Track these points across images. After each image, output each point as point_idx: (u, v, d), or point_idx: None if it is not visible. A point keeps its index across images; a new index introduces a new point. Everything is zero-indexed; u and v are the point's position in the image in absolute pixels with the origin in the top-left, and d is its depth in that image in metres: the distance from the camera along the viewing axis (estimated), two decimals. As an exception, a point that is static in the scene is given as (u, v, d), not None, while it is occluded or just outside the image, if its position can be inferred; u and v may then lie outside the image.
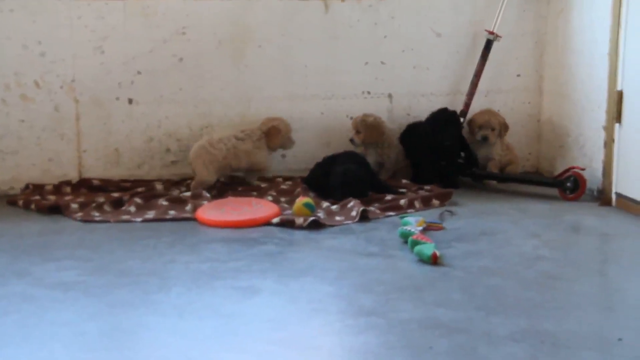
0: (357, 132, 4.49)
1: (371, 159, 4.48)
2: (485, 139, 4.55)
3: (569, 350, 2.45)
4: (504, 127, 4.59)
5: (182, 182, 4.39)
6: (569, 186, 4.18)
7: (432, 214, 3.90)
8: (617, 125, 4.02)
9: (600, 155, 4.14)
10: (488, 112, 4.60)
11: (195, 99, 4.51)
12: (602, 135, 4.12)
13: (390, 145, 4.53)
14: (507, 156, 4.66)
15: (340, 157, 4.28)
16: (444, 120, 4.37)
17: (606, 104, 4.06)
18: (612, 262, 3.28)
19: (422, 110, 4.70)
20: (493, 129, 4.56)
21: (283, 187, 4.33)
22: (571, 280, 3.11)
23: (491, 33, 4.53)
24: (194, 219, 3.84)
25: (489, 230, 3.68)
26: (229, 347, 2.48)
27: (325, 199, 4.09)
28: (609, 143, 4.08)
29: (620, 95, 3.98)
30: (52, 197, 4.13)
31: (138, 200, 4.03)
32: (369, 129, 4.47)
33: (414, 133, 4.50)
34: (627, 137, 3.96)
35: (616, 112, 4.00)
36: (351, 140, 4.51)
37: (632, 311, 2.76)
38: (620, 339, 2.51)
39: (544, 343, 2.49)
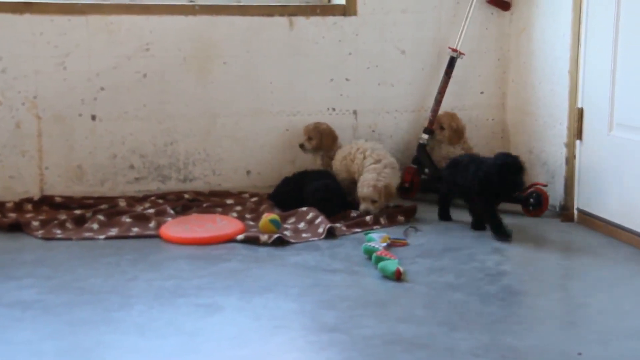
0: (309, 138, 4.50)
1: (317, 166, 4.52)
2: (430, 132, 4.60)
3: (530, 365, 2.47)
4: (455, 132, 4.61)
5: (146, 198, 4.36)
6: (532, 202, 4.22)
7: (397, 231, 3.91)
8: (578, 141, 4.07)
9: (562, 172, 4.19)
10: (447, 114, 4.64)
11: (160, 115, 4.49)
12: (563, 151, 4.17)
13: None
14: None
15: (311, 174, 4.29)
16: (514, 168, 3.76)
17: (567, 120, 4.11)
18: (574, 277, 3.31)
19: (386, 127, 4.73)
20: (442, 128, 4.60)
21: (248, 203, 4.32)
22: (533, 295, 3.14)
23: (454, 50, 4.57)
24: (157, 236, 3.81)
25: (452, 246, 3.70)
26: (190, 365, 2.47)
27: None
28: (570, 159, 4.13)
29: (580, 112, 4.04)
30: (12, 215, 4.07)
31: (101, 217, 3.99)
32: (323, 136, 4.48)
33: (464, 171, 3.95)
34: (587, 153, 4.01)
35: (577, 128, 4.06)
36: (301, 146, 4.51)
37: (592, 326, 2.78)
38: (580, 354, 2.53)
39: (506, 358, 2.50)
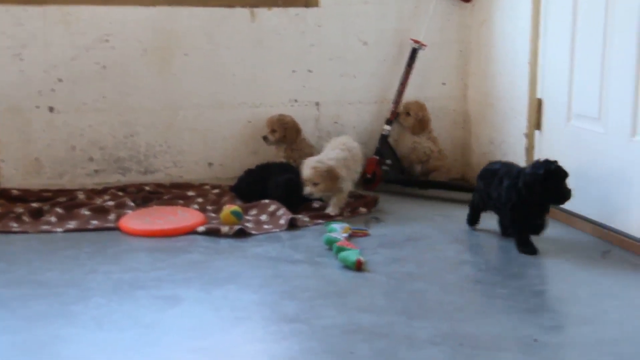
0: (273, 130, 4.49)
1: (280, 158, 4.51)
2: (397, 115, 4.63)
3: (487, 352, 2.50)
4: (420, 122, 4.65)
5: (105, 191, 4.32)
6: (492, 192, 4.24)
7: (359, 221, 3.92)
8: (537, 132, 4.12)
9: (522, 162, 4.21)
10: (416, 102, 4.68)
11: (120, 108, 4.44)
12: (523, 142, 4.21)
13: (300, 147, 4.52)
14: (438, 161, 4.72)
15: (274, 167, 4.28)
16: (557, 177, 3.42)
17: (527, 111, 4.16)
18: (532, 265, 3.34)
19: (349, 118, 4.74)
20: (408, 114, 4.63)
21: (210, 195, 4.30)
22: (492, 283, 3.17)
23: (416, 42, 4.59)
24: (117, 229, 3.78)
25: (413, 236, 3.72)
26: (148, 357, 2.46)
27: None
28: (529, 150, 4.18)
29: (539, 103, 4.08)
30: (-31, 208, 4.01)
31: (59, 210, 3.94)
32: (288, 129, 4.48)
33: (498, 184, 3.61)
34: (546, 143, 4.06)
35: (536, 119, 4.10)
36: (265, 138, 4.50)
37: (547, 313, 2.83)
38: (535, 340, 2.57)
39: (464, 345, 2.53)
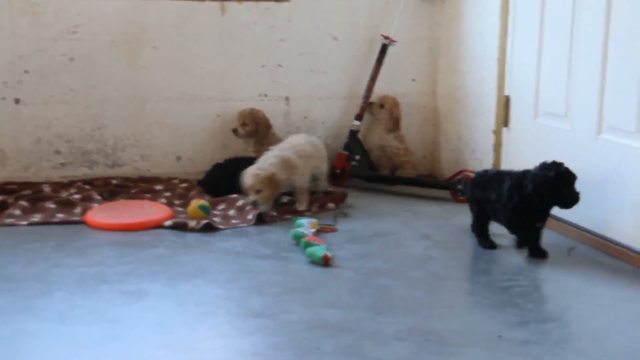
0: (244, 124, 4.47)
1: (249, 153, 4.48)
2: (370, 105, 4.64)
3: (452, 347, 2.51)
4: (393, 120, 4.66)
5: (72, 184, 4.27)
6: (460, 188, 4.28)
7: (327, 217, 3.92)
8: (505, 129, 4.15)
9: (489, 159, 4.26)
10: (392, 98, 4.70)
11: (87, 100, 4.40)
12: (491, 138, 4.24)
13: (270, 142, 4.50)
14: (403, 157, 4.73)
15: (243, 161, 4.25)
16: (568, 179, 3.27)
17: (495, 108, 4.19)
18: (498, 262, 3.36)
19: (319, 114, 4.74)
20: (382, 106, 4.65)
21: (178, 189, 4.28)
22: (458, 279, 3.20)
23: (386, 38, 4.60)
24: (83, 222, 3.75)
25: (381, 231, 3.73)
26: (113, 352, 2.44)
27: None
28: (497, 146, 4.21)
29: (507, 100, 4.11)
30: None
31: (24, 203, 3.90)
32: (260, 123, 4.47)
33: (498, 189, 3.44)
34: (514, 140, 4.10)
35: (504, 116, 4.13)
36: (234, 131, 4.48)
37: (513, 309, 2.84)
38: (500, 336, 2.59)
39: (429, 341, 2.54)
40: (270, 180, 3.83)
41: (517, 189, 3.31)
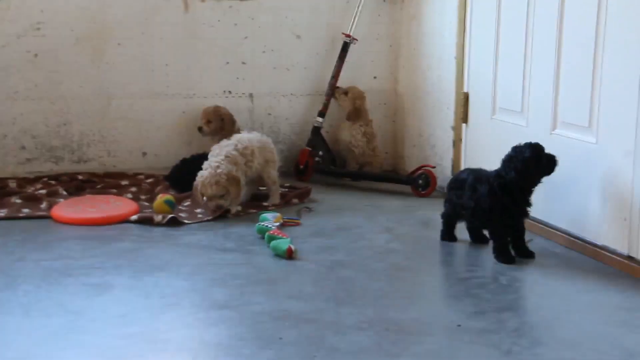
0: (208, 121, 4.50)
1: None
2: (332, 93, 4.69)
3: (412, 336, 2.57)
4: (355, 109, 4.71)
5: (37, 179, 4.28)
6: (421, 183, 4.37)
7: (291, 211, 3.98)
8: (464, 125, 4.24)
9: (449, 154, 4.35)
10: (359, 90, 4.76)
11: (52, 96, 4.41)
12: (450, 135, 4.33)
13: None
14: (370, 158, 4.80)
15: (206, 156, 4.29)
16: (540, 149, 3.30)
17: (454, 105, 4.27)
18: (457, 254, 3.44)
19: (283, 110, 4.79)
20: (346, 93, 4.71)
21: (143, 184, 4.31)
22: (418, 271, 3.25)
23: (348, 36, 4.66)
24: (49, 217, 3.76)
25: (344, 225, 3.79)
26: (75, 344, 2.46)
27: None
28: (457, 142, 4.30)
29: (466, 96, 4.20)
30: None
31: (-12, 198, 3.91)
32: (224, 120, 4.50)
33: (471, 191, 3.41)
34: (472, 136, 4.19)
35: (463, 112, 4.22)
36: (199, 129, 4.51)
37: (471, 299, 2.91)
38: (459, 325, 2.65)
39: (389, 330, 2.60)
40: (233, 180, 3.82)
41: (493, 192, 3.30)
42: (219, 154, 3.90)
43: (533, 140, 3.29)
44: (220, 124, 4.49)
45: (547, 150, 3.29)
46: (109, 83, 4.50)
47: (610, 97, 3.23)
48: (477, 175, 3.41)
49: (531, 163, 3.25)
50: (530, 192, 3.33)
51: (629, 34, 3.11)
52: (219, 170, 3.81)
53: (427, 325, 2.66)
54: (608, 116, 3.25)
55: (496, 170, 3.35)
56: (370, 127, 4.79)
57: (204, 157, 4.25)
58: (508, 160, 3.30)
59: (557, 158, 3.28)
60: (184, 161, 4.34)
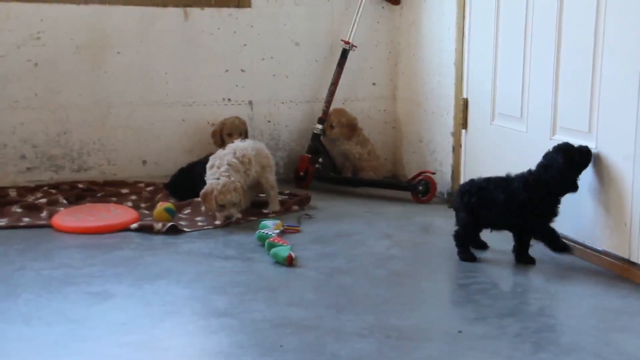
0: (230, 135, 4.47)
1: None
2: (323, 131, 4.69)
3: (413, 343, 2.57)
4: (347, 127, 4.71)
5: (38, 188, 4.29)
6: (421, 189, 4.37)
7: (291, 218, 3.98)
8: (463, 131, 4.24)
9: (449, 160, 4.35)
10: (335, 111, 4.74)
11: (52, 105, 4.42)
12: (450, 140, 4.33)
13: None
14: (367, 162, 4.80)
15: (204, 163, 4.29)
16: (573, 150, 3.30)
17: (453, 111, 4.28)
18: (455, 261, 3.43)
19: (282, 117, 4.80)
20: (332, 127, 4.70)
21: (144, 193, 4.31)
22: (418, 277, 3.25)
23: (347, 43, 4.67)
24: (49, 226, 3.76)
25: (344, 232, 3.80)
26: (75, 352, 2.46)
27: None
28: (456, 148, 4.30)
29: (465, 102, 4.21)
30: None
31: (-11, 208, 3.92)
32: (247, 130, 4.53)
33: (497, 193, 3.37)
34: (472, 142, 4.19)
35: (462, 118, 4.23)
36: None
37: (471, 305, 2.91)
38: (460, 331, 2.65)
39: (390, 337, 2.59)
40: (241, 189, 3.87)
41: (531, 184, 3.29)
42: (221, 164, 3.91)
43: (544, 144, 3.26)
44: (245, 135, 4.47)
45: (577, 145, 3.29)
46: (108, 92, 4.51)
47: (609, 102, 3.23)
48: (499, 178, 3.38)
49: (566, 168, 3.24)
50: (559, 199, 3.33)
51: (627, 38, 3.11)
52: (232, 178, 3.84)
53: (428, 332, 2.66)
54: (607, 121, 3.25)
55: (528, 171, 3.34)
56: (362, 135, 4.80)
57: (198, 164, 4.25)
58: (543, 167, 3.30)
59: (589, 148, 3.27)
60: (181, 170, 4.34)
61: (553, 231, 3.36)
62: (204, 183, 3.98)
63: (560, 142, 3.34)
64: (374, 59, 4.90)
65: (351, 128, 4.74)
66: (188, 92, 4.64)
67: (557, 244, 3.35)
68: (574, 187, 3.29)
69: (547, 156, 3.32)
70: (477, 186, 3.39)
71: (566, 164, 3.25)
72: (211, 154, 4.28)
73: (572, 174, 3.27)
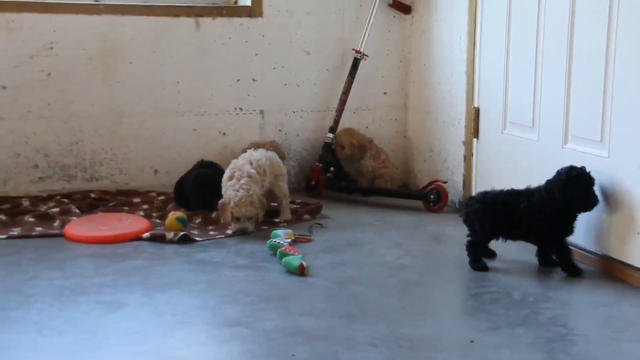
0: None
1: None
2: (333, 153, 4.72)
3: (425, 352, 2.56)
4: (358, 148, 4.73)
5: (50, 198, 4.31)
6: (432, 198, 4.36)
7: (303, 227, 3.98)
8: (474, 140, 4.24)
9: (460, 169, 4.35)
10: (344, 131, 4.75)
11: (64, 115, 4.44)
12: (462, 149, 4.33)
13: None
14: (380, 170, 4.81)
15: (193, 171, 4.28)
16: (579, 182, 3.27)
17: (465, 120, 4.28)
18: (467, 269, 3.42)
19: (293, 126, 4.81)
20: (342, 147, 4.71)
21: (155, 202, 4.32)
22: (430, 286, 3.25)
23: (358, 52, 4.68)
24: (62, 235, 3.78)
25: (355, 241, 3.80)
26: (87, 362, 2.47)
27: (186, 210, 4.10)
28: (468, 157, 4.29)
29: (477, 111, 4.20)
30: None
31: (2, 217, 3.93)
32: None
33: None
34: (483, 151, 4.18)
35: (474, 127, 4.22)
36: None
37: (484, 314, 2.90)
38: (472, 341, 2.65)
39: (402, 347, 2.59)
40: (258, 201, 3.88)
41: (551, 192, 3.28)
42: (241, 175, 3.90)
43: (556, 153, 3.25)
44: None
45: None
46: (120, 101, 4.53)
47: (621, 110, 3.22)
48: (517, 190, 3.40)
49: (558, 191, 3.24)
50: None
51: (639, 47, 3.11)
52: (251, 192, 3.84)
53: (439, 341, 2.65)
54: (620, 130, 3.24)
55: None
56: (374, 148, 4.80)
57: (193, 171, 4.25)
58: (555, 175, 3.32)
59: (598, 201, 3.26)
60: (180, 180, 4.31)
61: (568, 251, 3.34)
62: (198, 191, 4.05)
63: (573, 150, 3.32)
64: (385, 68, 4.91)
65: (362, 149, 4.75)
66: (199, 102, 4.65)
67: (568, 266, 3.33)
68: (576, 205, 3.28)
69: (560, 172, 3.30)
70: (491, 198, 3.40)
71: (563, 187, 3.24)
72: (201, 160, 4.37)
73: (557, 199, 3.25)
